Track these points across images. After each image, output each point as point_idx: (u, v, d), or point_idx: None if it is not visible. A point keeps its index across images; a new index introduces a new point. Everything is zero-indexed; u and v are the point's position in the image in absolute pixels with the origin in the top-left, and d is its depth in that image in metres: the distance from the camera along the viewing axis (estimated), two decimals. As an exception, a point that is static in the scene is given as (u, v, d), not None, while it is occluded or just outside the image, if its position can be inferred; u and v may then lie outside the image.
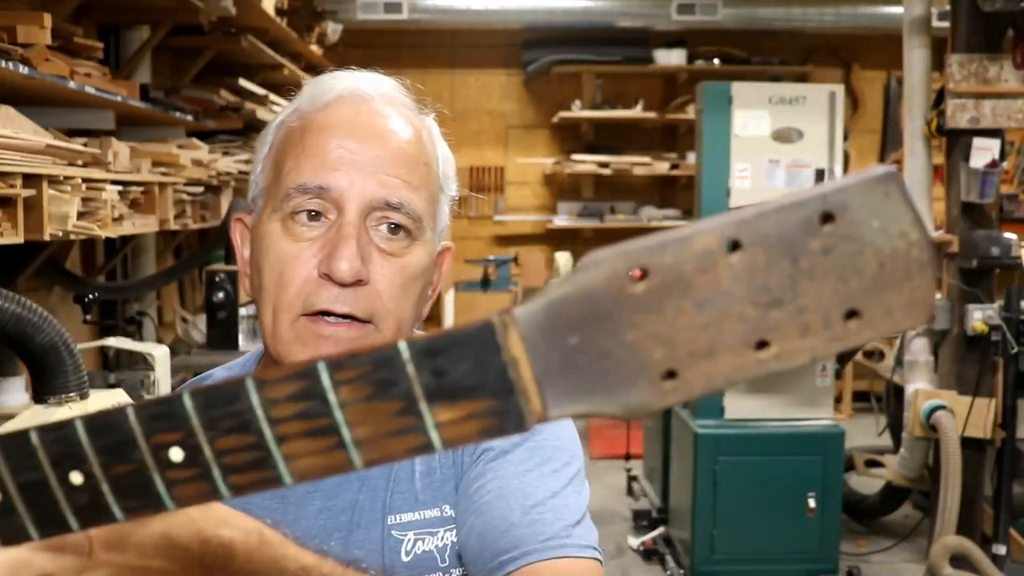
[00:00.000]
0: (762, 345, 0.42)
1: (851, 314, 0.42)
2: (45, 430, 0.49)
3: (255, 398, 0.46)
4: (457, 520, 0.93)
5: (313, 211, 0.88)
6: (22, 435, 0.49)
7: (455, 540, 0.92)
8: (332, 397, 0.45)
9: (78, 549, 0.54)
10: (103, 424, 0.48)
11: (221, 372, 1.03)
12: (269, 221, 0.90)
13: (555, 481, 0.91)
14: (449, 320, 5.72)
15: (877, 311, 0.42)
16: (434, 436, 0.45)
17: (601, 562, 0.89)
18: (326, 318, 0.87)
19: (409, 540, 0.92)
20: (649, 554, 4.08)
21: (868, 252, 0.41)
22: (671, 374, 0.42)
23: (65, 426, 0.49)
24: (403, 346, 0.45)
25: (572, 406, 0.44)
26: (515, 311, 0.44)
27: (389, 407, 0.45)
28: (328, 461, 0.47)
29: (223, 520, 0.62)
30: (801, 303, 0.41)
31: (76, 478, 0.49)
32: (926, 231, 0.42)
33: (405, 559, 0.91)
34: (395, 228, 0.89)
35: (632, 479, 4.76)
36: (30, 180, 2.17)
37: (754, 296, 0.41)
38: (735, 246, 0.42)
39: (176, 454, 0.47)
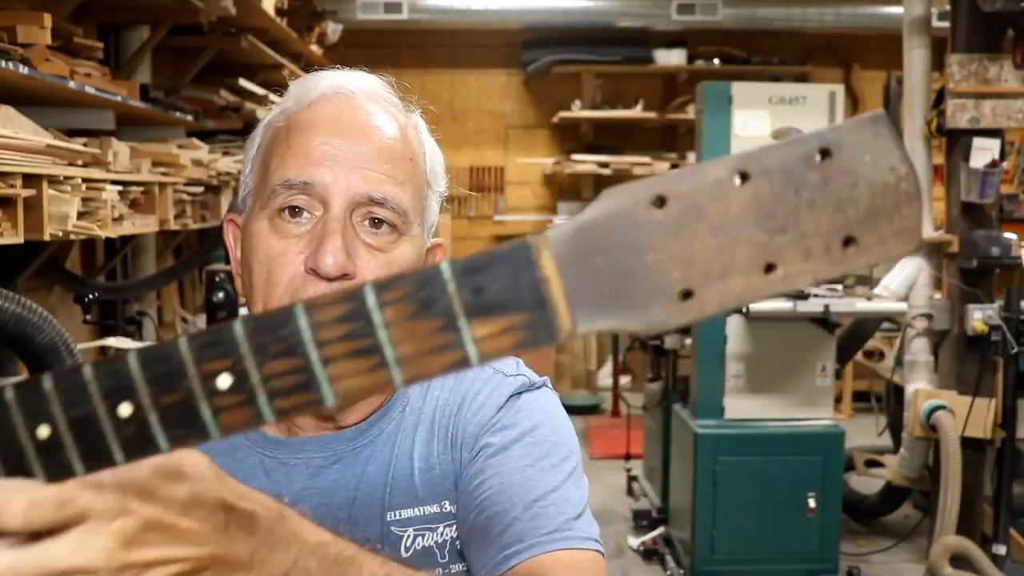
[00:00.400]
0: (770, 268, 0.46)
1: (848, 241, 0.46)
2: (98, 364, 0.51)
3: (303, 321, 0.49)
4: (458, 516, 0.93)
5: (298, 207, 0.89)
6: (75, 371, 0.52)
7: (455, 536, 0.93)
8: (377, 317, 0.48)
9: (116, 492, 0.55)
10: (155, 355, 0.51)
11: None
12: (257, 220, 0.91)
13: (555, 476, 0.92)
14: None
15: (871, 239, 0.46)
16: (471, 351, 0.48)
17: (603, 554, 0.90)
18: None
19: (409, 536, 0.93)
20: (649, 554, 4.08)
21: (862, 184, 0.46)
22: (688, 293, 0.46)
23: (118, 359, 0.51)
24: (445, 265, 0.48)
25: (598, 322, 0.47)
26: (548, 233, 0.47)
27: (430, 324, 0.48)
28: (370, 381, 0.49)
29: (245, 494, 0.63)
30: (803, 230, 0.46)
31: (125, 410, 0.51)
32: (913, 166, 0.46)
33: (405, 555, 0.92)
34: (379, 223, 0.90)
35: (632, 479, 4.76)
36: (30, 180, 2.17)
37: (761, 222, 0.46)
38: (744, 177, 0.46)
39: (224, 381, 0.50)
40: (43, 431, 0.52)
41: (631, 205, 0.46)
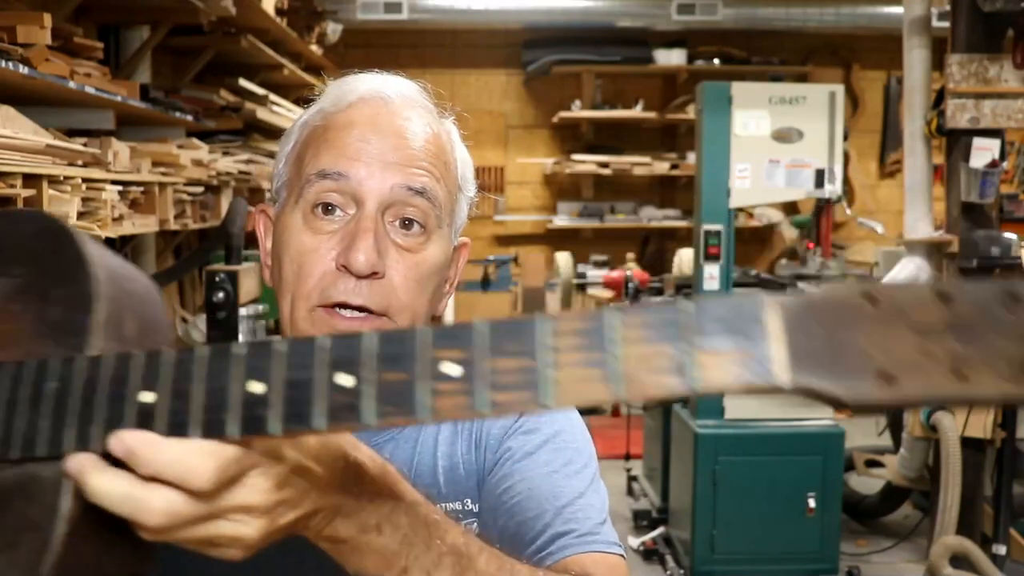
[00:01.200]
0: (963, 376, 0.52)
1: None
2: (338, 337, 0.56)
3: (545, 327, 0.54)
4: (482, 518, 0.95)
5: (332, 205, 0.91)
6: (312, 339, 0.56)
7: (475, 533, 0.93)
8: (614, 334, 0.53)
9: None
10: (393, 336, 0.55)
11: None
12: (291, 213, 0.93)
13: (579, 482, 0.95)
14: (448, 320, 5.71)
15: None
16: (696, 376, 0.53)
17: (624, 557, 0.94)
18: (341, 311, 0.90)
19: None
20: (649, 554, 4.08)
21: None
22: (890, 378, 0.53)
23: (359, 335, 0.56)
24: (687, 304, 0.54)
25: (811, 380, 0.53)
26: (779, 297, 0.54)
27: (661, 349, 0.53)
28: (589, 391, 0.53)
29: (356, 445, 0.68)
30: (993, 351, 0.52)
31: (345, 380, 0.55)
32: None
33: None
34: (410, 224, 0.92)
35: (632, 479, 4.76)
36: (30, 180, 2.17)
37: (958, 336, 0.53)
38: (945, 299, 0.53)
39: (451, 368, 0.54)
40: (257, 387, 0.56)
41: (851, 294, 0.54)
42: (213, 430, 0.56)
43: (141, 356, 0.58)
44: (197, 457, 0.56)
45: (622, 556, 0.92)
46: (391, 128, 0.93)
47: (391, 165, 0.91)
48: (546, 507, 0.92)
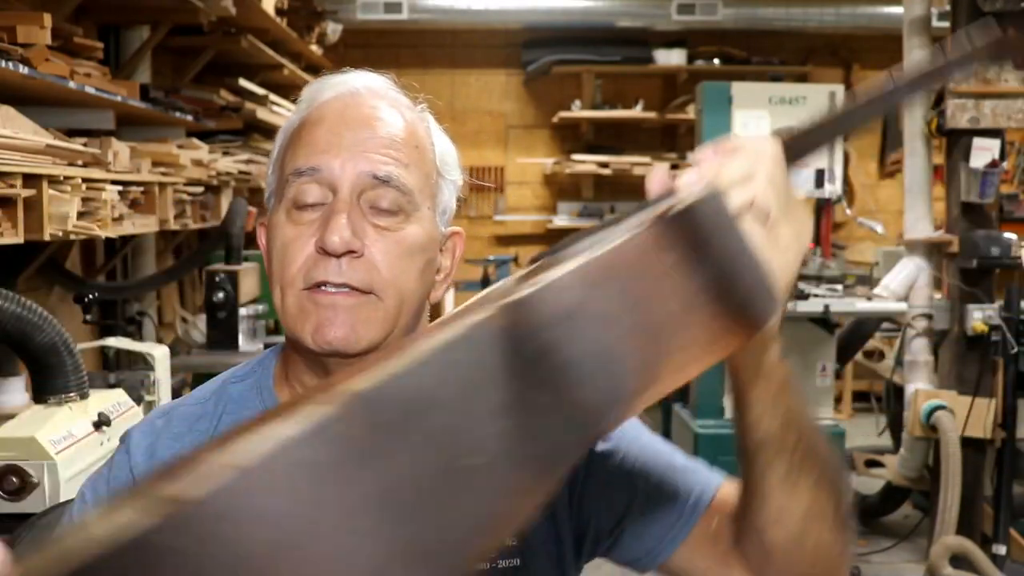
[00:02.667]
0: None
1: None
2: None
3: None
4: (606, 516, 0.98)
5: (312, 202, 0.93)
6: None
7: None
8: None
9: None
10: None
11: (233, 382, 1.04)
12: (276, 213, 0.96)
13: (664, 445, 1.04)
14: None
15: None
16: None
17: None
18: (324, 288, 0.92)
19: None
20: (649, 554, 4.08)
21: None
22: None
23: None
24: None
25: None
26: None
27: None
28: None
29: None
30: None
31: None
32: None
33: None
34: (384, 209, 0.94)
35: (632, 479, 4.75)
36: (30, 180, 2.17)
37: None
38: None
39: None
40: None
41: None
42: None
43: None
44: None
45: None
46: (358, 119, 0.96)
47: (359, 153, 0.93)
48: (667, 471, 0.99)
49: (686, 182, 0.70)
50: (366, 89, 0.99)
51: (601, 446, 0.99)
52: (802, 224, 0.75)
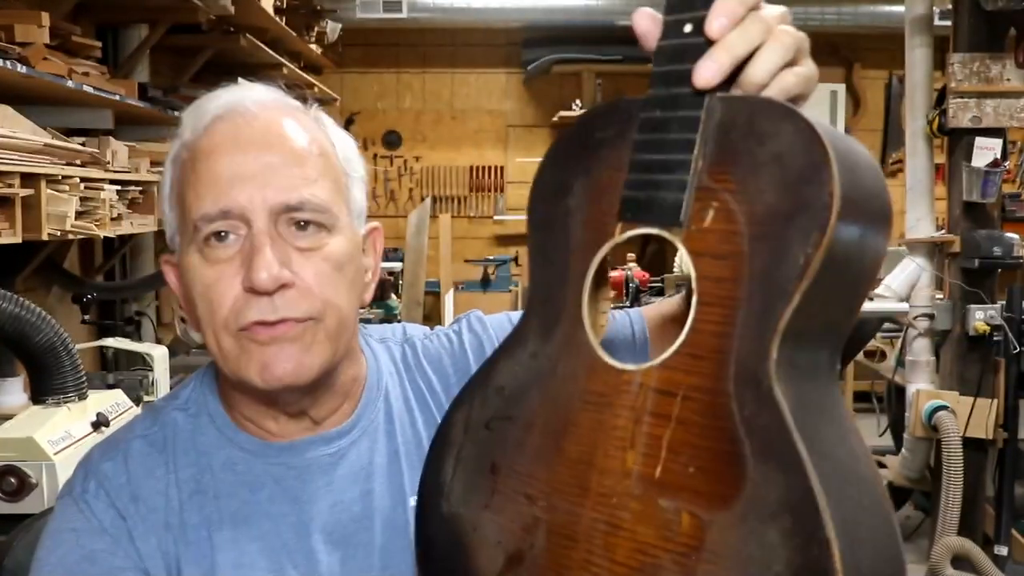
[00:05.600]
0: None
1: None
2: None
3: None
4: None
5: (222, 232, 0.87)
6: None
7: None
8: None
9: None
10: None
11: (175, 410, 0.99)
12: (188, 255, 0.89)
13: None
14: (449, 320, 5.71)
15: None
16: None
17: None
18: (258, 327, 0.87)
19: None
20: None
21: None
22: None
23: None
24: None
25: None
26: None
27: None
28: None
29: None
30: None
31: None
32: None
33: None
34: (305, 224, 0.89)
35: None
36: (28, 180, 2.16)
37: None
38: None
39: None
40: None
41: None
42: None
43: None
44: None
45: None
46: (254, 140, 0.88)
47: (266, 182, 0.87)
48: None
49: (708, 75, 0.71)
50: (254, 104, 0.91)
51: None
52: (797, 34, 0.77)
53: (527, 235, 0.84)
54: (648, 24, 0.76)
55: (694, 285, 0.71)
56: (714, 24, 0.71)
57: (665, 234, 0.73)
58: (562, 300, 0.80)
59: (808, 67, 0.75)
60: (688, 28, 0.73)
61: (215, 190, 0.87)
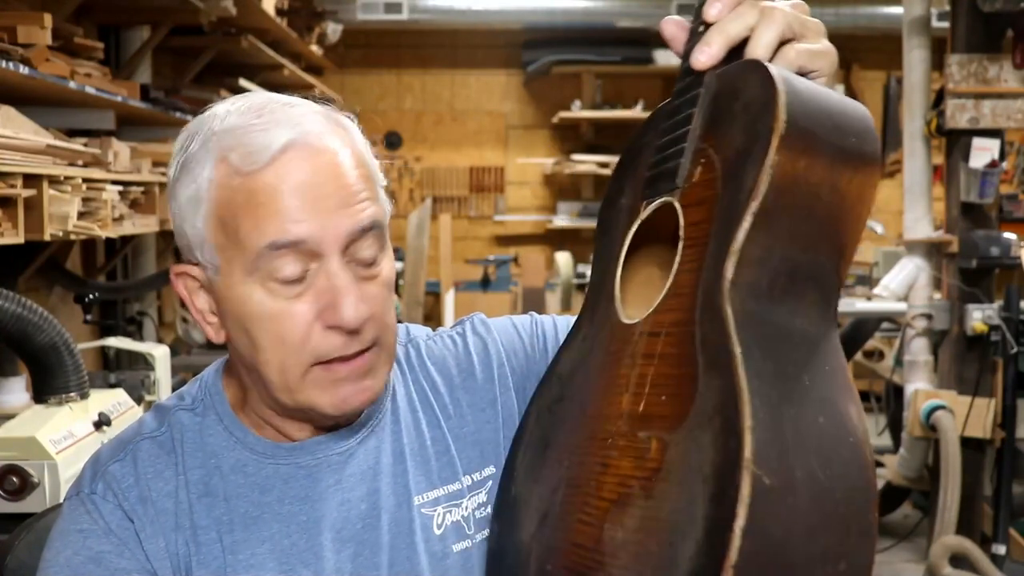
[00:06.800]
0: None
1: None
2: None
3: None
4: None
5: (294, 275, 0.87)
6: None
7: (479, 503, 1.00)
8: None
9: None
10: None
11: (181, 410, 0.99)
12: (243, 284, 0.87)
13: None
14: (449, 320, 5.72)
15: None
16: None
17: None
18: (336, 362, 0.89)
19: (439, 514, 0.98)
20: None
21: None
22: None
23: None
24: None
25: None
26: None
27: None
28: None
29: None
30: None
31: None
32: None
33: (438, 532, 0.97)
34: (369, 254, 0.89)
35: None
36: (30, 180, 2.17)
37: None
38: None
39: None
40: None
41: None
42: None
43: None
44: None
45: None
46: (322, 172, 0.87)
47: (336, 212, 0.87)
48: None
49: (709, 55, 0.78)
50: (315, 134, 0.89)
51: (523, 355, 1.06)
52: (806, 10, 0.80)
53: (594, 242, 0.93)
54: (674, 29, 0.85)
55: (681, 234, 0.76)
56: (711, 10, 0.79)
57: (668, 199, 0.79)
58: (605, 285, 0.87)
59: (816, 43, 0.79)
60: (702, 29, 0.80)
61: (284, 218, 0.85)
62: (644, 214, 0.83)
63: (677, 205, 0.77)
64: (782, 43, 0.78)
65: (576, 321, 0.92)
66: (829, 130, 0.71)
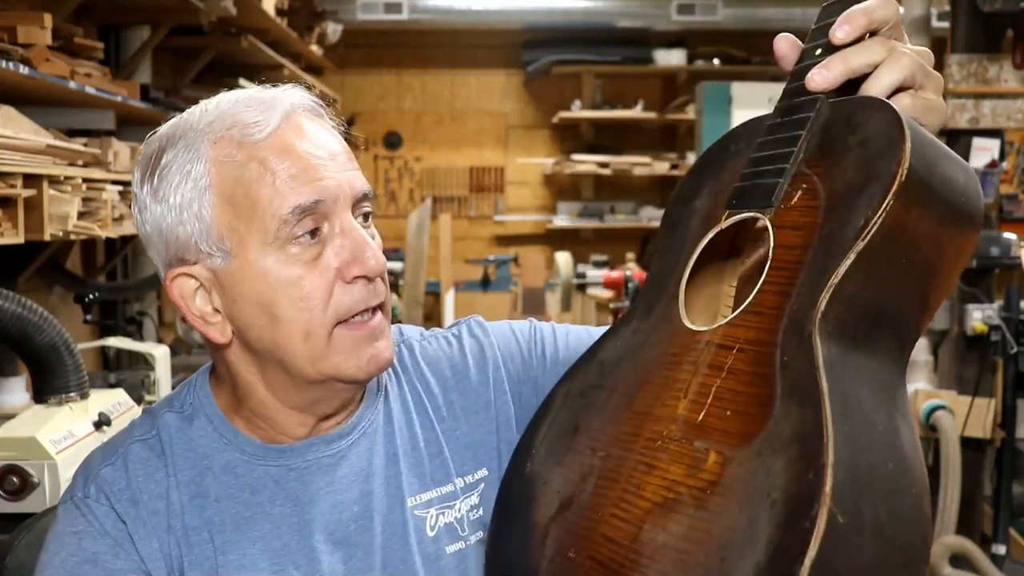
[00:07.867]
0: None
1: None
2: None
3: None
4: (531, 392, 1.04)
5: (314, 229, 0.88)
6: None
7: (472, 505, 1.00)
8: None
9: None
10: None
11: (167, 412, 0.99)
12: (261, 258, 0.88)
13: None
14: (449, 320, 5.72)
15: None
16: None
17: None
18: (358, 318, 0.90)
19: (432, 516, 0.98)
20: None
21: None
22: None
23: None
24: None
25: None
26: None
27: None
28: None
29: None
30: None
31: None
32: None
33: (431, 534, 0.97)
34: (368, 215, 0.94)
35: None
36: (30, 180, 2.17)
37: None
38: None
39: None
40: None
41: None
42: None
43: None
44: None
45: None
46: (326, 133, 0.92)
47: (347, 168, 0.91)
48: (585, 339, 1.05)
49: (826, 78, 0.78)
50: (310, 105, 0.93)
51: (520, 361, 1.06)
52: (931, 60, 0.80)
53: (657, 235, 0.94)
54: (786, 48, 0.86)
55: (770, 254, 0.76)
56: (837, 31, 0.79)
57: (758, 215, 0.79)
58: (668, 284, 0.87)
59: (933, 99, 0.78)
60: (819, 52, 0.80)
61: (302, 183, 0.87)
62: (725, 223, 0.84)
63: (769, 224, 0.78)
64: (899, 88, 0.78)
65: (626, 313, 0.93)
66: (943, 185, 0.72)
